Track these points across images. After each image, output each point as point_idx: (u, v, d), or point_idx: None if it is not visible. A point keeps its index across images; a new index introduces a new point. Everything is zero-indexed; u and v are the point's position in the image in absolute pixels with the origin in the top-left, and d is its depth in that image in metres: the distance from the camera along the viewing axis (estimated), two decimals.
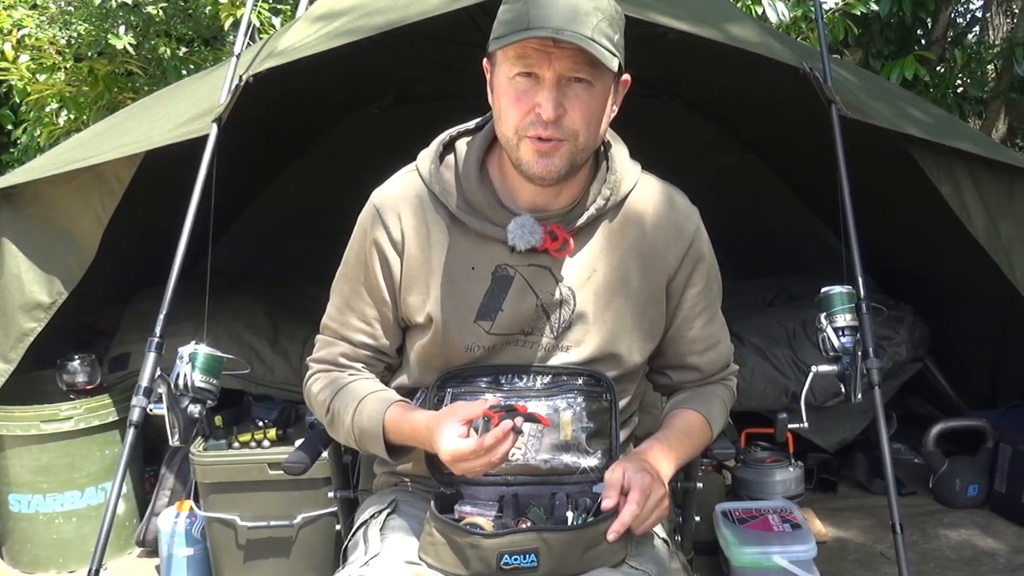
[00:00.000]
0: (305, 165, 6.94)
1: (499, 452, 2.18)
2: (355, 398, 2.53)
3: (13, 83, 8.00)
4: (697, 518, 3.12)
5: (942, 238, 5.14)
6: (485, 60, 2.39)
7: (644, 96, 6.18)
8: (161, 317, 3.77)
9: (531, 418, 2.26)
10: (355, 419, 2.50)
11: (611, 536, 2.25)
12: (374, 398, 2.51)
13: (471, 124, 2.61)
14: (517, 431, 2.18)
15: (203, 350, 3.56)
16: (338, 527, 3.15)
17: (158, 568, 4.82)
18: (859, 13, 8.04)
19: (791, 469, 5.17)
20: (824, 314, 3.76)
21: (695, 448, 2.63)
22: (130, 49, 7.36)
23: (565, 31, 2.17)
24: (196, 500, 4.57)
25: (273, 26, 7.22)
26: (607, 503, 2.25)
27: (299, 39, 4.12)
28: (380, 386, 2.62)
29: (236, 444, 4.48)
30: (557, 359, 2.51)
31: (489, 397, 2.42)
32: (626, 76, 2.40)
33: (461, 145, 2.56)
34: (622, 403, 2.60)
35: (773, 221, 6.91)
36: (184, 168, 3.97)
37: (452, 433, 2.21)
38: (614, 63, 2.25)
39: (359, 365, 2.66)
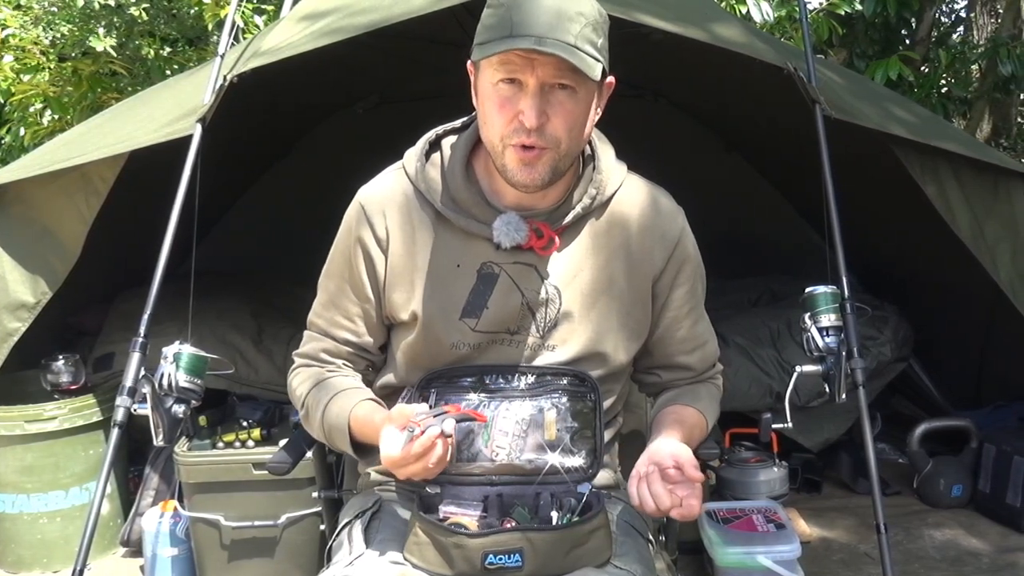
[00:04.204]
0: (290, 165, 6.93)
1: (431, 459, 2.18)
2: (328, 394, 2.54)
3: None
4: None
5: (926, 238, 5.16)
6: (469, 63, 2.38)
7: (629, 96, 6.20)
8: (145, 317, 3.76)
9: (465, 418, 2.27)
10: (325, 415, 2.51)
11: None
12: (345, 395, 2.52)
13: (457, 123, 2.61)
14: (446, 435, 2.18)
15: (187, 350, 3.55)
16: (322, 527, 3.17)
17: (142, 568, 4.81)
18: (843, 13, 8.08)
19: (775, 469, 5.17)
20: (808, 314, 3.76)
21: (695, 443, 2.62)
22: (111, 51, 7.35)
23: (547, 39, 2.17)
24: (180, 500, 4.56)
25: (257, 26, 7.22)
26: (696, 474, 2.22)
27: (283, 39, 4.11)
28: (356, 384, 2.62)
29: (220, 444, 4.47)
30: (543, 358, 2.52)
31: (473, 398, 2.43)
32: (610, 79, 2.41)
33: (447, 143, 2.57)
34: (607, 403, 2.61)
35: (757, 221, 6.92)
36: (168, 168, 3.96)
37: (390, 438, 2.20)
38: (597, 70, 2.25)
39: (340, 362, 2.66)
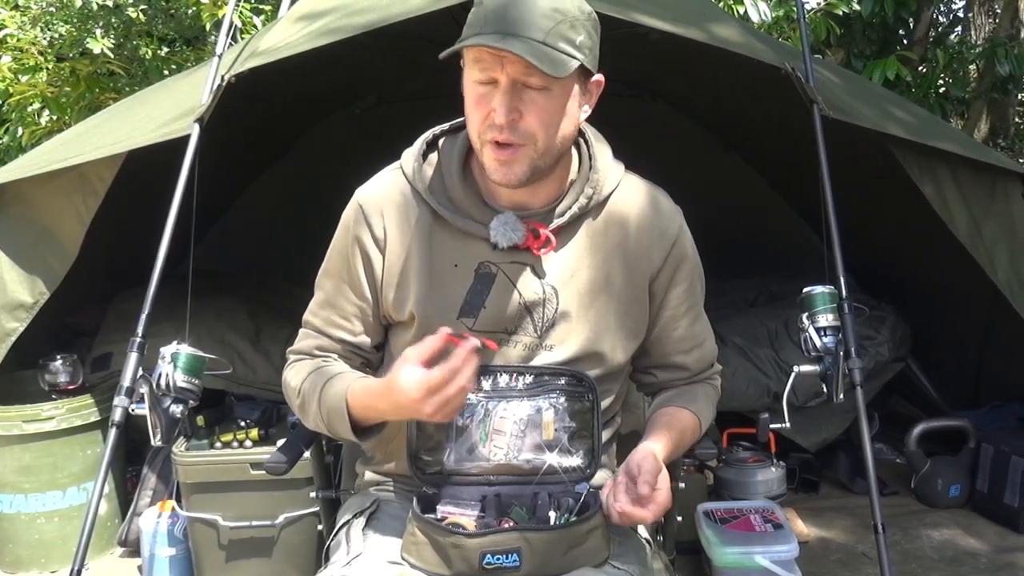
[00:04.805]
0: (287, 165, 6.93)
1: (467, 375, 2.17)
2: (324, 378, 2.52)
3: None
4: (679, 518, 3.11)
5: (924, 238, 5.16)
6: (461, 61, 2.39)
7: (627, 96, 6.20)
8: (143, 317, 3.76)
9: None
10: (322, 399, 2.48)
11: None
12: (341, 377, 2.50)
13: (454, 123, 2.61)
14: (479, 350, 2.18)
15: (185, 350, 3.55)
16: (320, 527, 3.16)
17: (140, 568, 4.81)
18: (841, 13, 8.08)
19: (773, 469, 5.16)
20: (806, 314, 3.77)
21: (686, 446, 2.65)
22: (108, 52, 7.35)
23: (511, 36, 2.18)
24: (178, 500, 4.55)
25: (255, 26, 7.22)
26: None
27: (281, 39, 4.12)
28: (349, 368, 2.61)
29: (218, 444, 4.47)
30: (541, 358, 2.51)
31: (471, 397, 2.42)
32: (599, 77, 2.41)
33: (444, 143, 2.57)
34: (605, 403, 2.60)
35: (755, 221, 6.91)
36: (166, 168, 3.97)
37: (414, 373, 2.17)
38: (566, 68, 2.25)
39: (335, 356, 2.66)
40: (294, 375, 2.65)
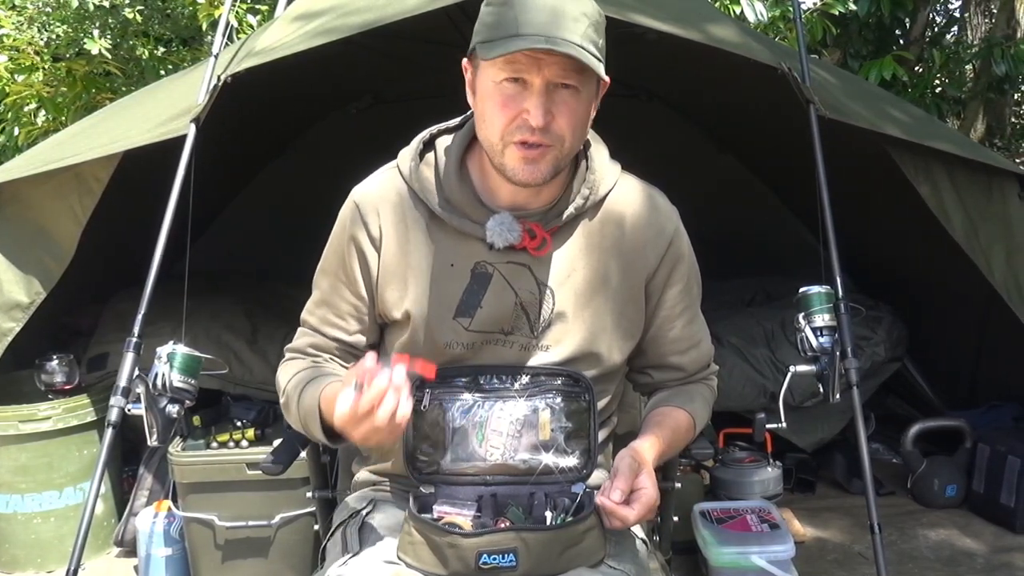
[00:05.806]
0: (284, 165, 6.92)
1: (382, 416, 2.08)
2: (305, 380, 2.52)
3: None
4: (675, 518, 3.11)
5: (920, 238, 5.16)
6: (465, 60, 2.38)
7: (624, 96, 6.19)
8: (139, 317, 3.76)
9: (412, 375, 2.15)
10: (300, 399, 2.49)
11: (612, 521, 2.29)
12: (320, 380, 2.49)
13: (451, 123, 2.60)
14: (395, 385, 2.07)
15: (181, 350, 3.56)
16: (316, 527, 3.16)
17: (136, 568, 4.81)
18: (837, 13, 8.06)
19: (769, 469, 5.17)
20: (802, 314, 3.77)
21: (680, 445, 2.65)
22: (105, 52, 7.35)
23: (557, 39, 2.17)
24: (174, 500, 4.56)
25: (251, 26, 7.22)
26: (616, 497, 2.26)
27: (277, 39, 4.11)
28: (336, 371, 2.60)
29: (214, 444, 4.47)
30: (537, 358, 2.51)
31: (467, 398, 2.42)
32: (606, 78, 2.40)
33: (441, 143, 2.56)
34: (601, 403, 2.60)
35: (751, 221, 6.91)
36: (162, 168, 3.96)
37: (344, 399, 2.11)
38: (602, 70, 2.26)
39: (328, 356, 2.65)
40: (284, 373, 2.65)
